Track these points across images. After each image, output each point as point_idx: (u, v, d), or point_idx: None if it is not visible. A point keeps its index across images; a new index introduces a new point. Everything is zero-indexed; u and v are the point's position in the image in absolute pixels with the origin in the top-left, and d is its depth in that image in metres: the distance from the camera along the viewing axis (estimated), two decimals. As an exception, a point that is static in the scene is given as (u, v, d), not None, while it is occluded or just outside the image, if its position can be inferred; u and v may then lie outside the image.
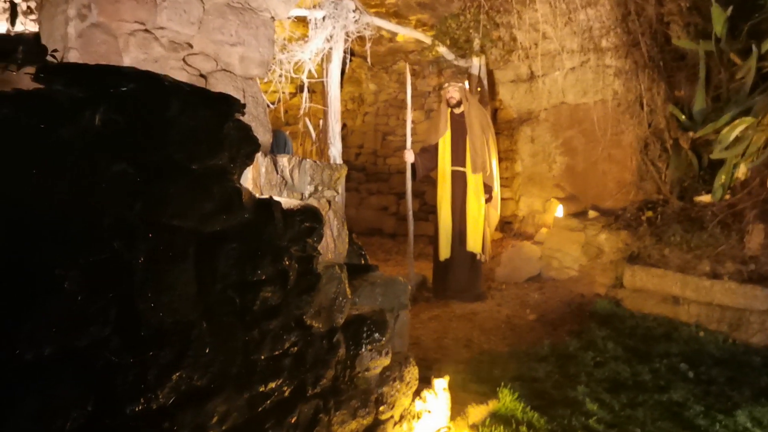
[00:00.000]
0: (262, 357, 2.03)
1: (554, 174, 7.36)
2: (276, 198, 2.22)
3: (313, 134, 6.54)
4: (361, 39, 8.21)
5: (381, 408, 2.59)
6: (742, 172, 5.98)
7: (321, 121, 6.57)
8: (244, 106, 2.01)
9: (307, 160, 3.35)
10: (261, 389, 2.01)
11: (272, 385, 2.05)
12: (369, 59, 7.54)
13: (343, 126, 8.51)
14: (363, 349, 2.49)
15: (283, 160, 3.31)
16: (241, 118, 1.99)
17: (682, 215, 6.18)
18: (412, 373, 2.87)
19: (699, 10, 6.43)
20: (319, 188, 3.40)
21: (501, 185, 8.41)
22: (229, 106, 1.95)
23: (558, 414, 3.89)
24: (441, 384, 3.15)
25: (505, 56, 7.41)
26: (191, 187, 1.82)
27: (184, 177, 1.81)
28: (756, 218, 5.54)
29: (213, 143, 1.89)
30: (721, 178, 6.05)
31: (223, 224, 1.92)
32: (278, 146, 4.44)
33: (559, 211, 7.03)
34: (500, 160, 8.52)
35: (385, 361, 2.63)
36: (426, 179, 7.38)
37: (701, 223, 5.97)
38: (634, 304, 5.97)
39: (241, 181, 2.18)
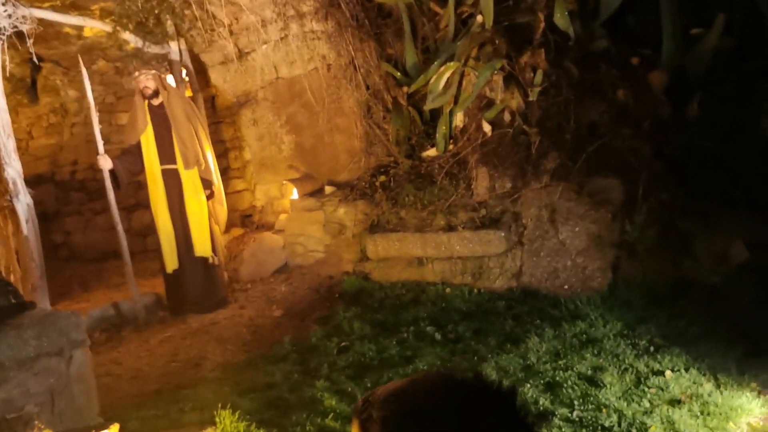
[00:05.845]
0: None
1: (285, 155, 6.82)
2: None
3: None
4: (44, 40, 7.04)
5: None
6: (459, 119, 5.88)
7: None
8: None
9: None
10: None
11: None
12: (35, 59, 6.37)
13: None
14: None
15: None
16: None
17: (413, 173, 5.96)
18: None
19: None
20: None
21: (233, 176, 7.74)
22: None
23: (292, 422, 3.35)
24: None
25: (207, 36, 6.68)
26: None
27: None
28: (478, 163, 5.44)
29: None
30: (442, 128, 5.92)
31: None
32: None
33: (295, 193, 6.53)
34: (228, 149, 7.84)
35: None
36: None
37: (431, 177, 5.78)
38: (382, 275, 5.64)
39: None
